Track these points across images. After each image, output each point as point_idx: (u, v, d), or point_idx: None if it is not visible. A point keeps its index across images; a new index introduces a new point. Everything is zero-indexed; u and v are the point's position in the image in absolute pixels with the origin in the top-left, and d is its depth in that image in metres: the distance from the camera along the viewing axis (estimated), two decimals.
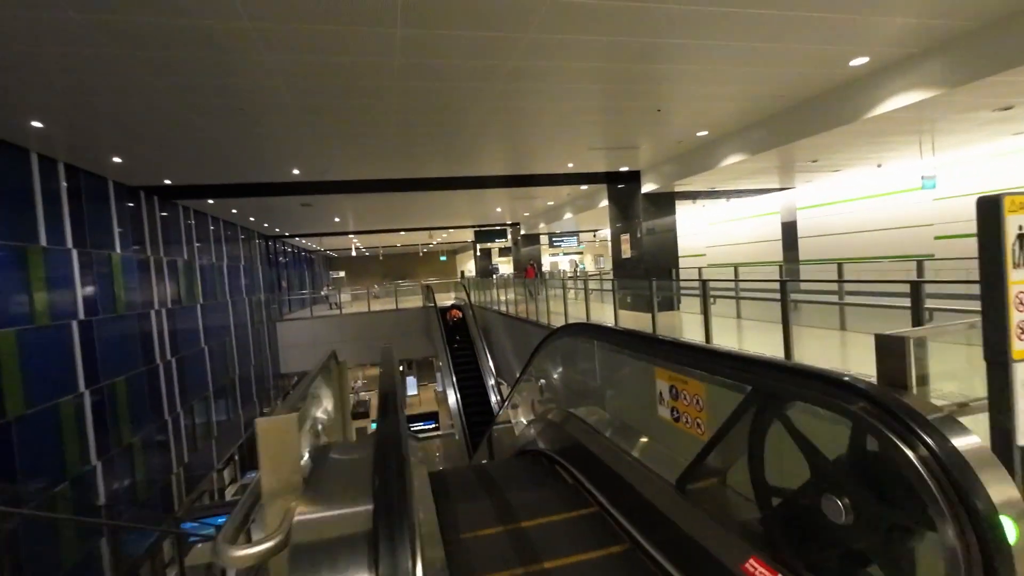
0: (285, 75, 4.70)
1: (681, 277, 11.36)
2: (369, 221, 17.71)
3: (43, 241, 6.33)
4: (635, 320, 9.20)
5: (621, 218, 11.57)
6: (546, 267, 27.09)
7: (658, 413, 2.18)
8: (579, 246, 23.45)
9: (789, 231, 12.59)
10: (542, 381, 4.67)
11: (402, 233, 21.49)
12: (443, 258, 27.91)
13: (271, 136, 6.81)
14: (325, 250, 28.78)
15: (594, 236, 23.39)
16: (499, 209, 16.07)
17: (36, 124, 5.30)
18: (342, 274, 31.73)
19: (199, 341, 11.10)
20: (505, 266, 31.74)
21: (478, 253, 28.46)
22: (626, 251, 11.50)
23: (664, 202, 10.97)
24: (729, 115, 7.10)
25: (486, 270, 29.07)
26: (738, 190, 12.01)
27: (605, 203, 12.50)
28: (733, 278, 9.61)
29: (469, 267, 35.30)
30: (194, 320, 10.99)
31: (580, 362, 3.51)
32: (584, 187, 12.41)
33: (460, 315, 17.76)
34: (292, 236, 19.33)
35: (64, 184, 6.86)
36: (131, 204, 8.69)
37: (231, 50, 4.14)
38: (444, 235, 24.76)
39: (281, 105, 5.54)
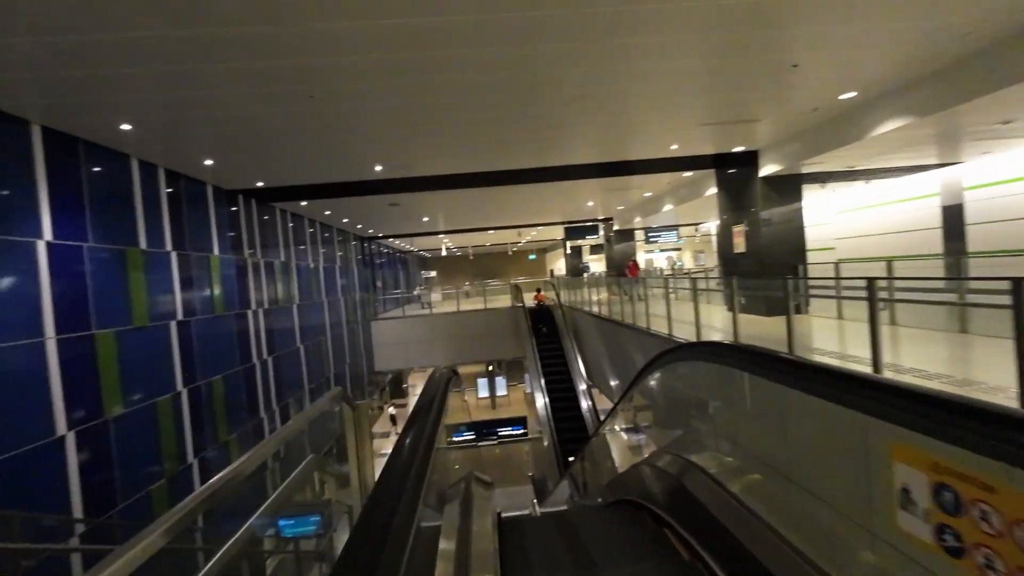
0: (355, 46, 4.18)
1: (807, 274, 9.59)
2: (457, 220, 17.54)
3: (143, 244, 6.51)
4: (754, 325, 7.85)
5: (732, 208, 10.06)
6: (640, 264, 25.41)
7: (897, 522, 1.20)
8: (678, 241, 21.66)
9: (953, 217, 10.22)
10: (643, 409, 3.72)
11: (490, 232, 21.18)
12: (532, 256, 27.31)
13: (351, 130, 6.47)
14: (418, 250, 29.50)
15: (696, 230, 21.45)
16: (591, 203, 15.04)
17: (125, 127, 5.32)
18: (433, 274, 32.38)
19: (295, 340, 11.39)
20: (596, 264, 30.44)
21: (568, 251, 27.50)
22: (739, 245, 9.99)
23: (788, 187, 9.32)
24: (889, 66, 5.56)
25: (576, 268, 28.04)
26: (884, 169, 9.94)
27: (713, 191, 11.02)
28: (887, 275, 7.83)
29: (559, 265, 34.44)
30: (290, 320, 11.29)
31: (712, 395, 2.54)
32: (688, 174, 11.03)
33: (545, 299, 17.53)
34: (385, 237, 19.77)
35: (164, 188, 7.06)
36: (230, 207, 8.96)
37: (296, 20, 3.68)
38: (533, 233, 24.15)
39: (357, 91, 5.10)
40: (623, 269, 17.86)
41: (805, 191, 9.75)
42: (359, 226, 16.06)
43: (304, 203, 10.81)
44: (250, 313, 9.34)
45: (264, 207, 10.32)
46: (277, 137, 6.41)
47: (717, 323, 8.69)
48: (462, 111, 6.09)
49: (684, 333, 7.36)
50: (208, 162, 7.01)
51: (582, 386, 12.92)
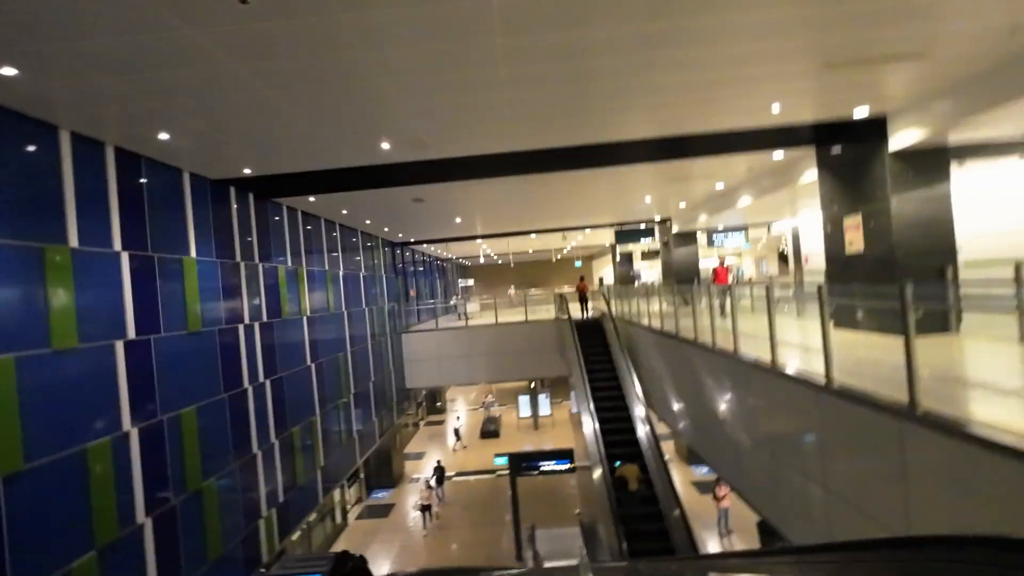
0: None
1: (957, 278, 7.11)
2: (494, 222, 15.77)
3: (72, 241, 5.02)
4: (889, 351, 5.60)
5: (844, 195, 7.74)
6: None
7: None
8: (746, 245, 19.04)
9: None
10: None
11: (532, 236, 19.29)
12: (578, 263, 25.25)
13: (353, 91, 4.77)
14: (456, 258, 28.02)
15: (768, 231, 18.74)
16: (648, 198, 12.90)
17: (8, 70, 3.79)
18: (471, 282, 30.77)
19: (303, 358, 9.86)
20: (648, 272, 27.96)
21: (617, 258, 25.23)
22: (853, 243, 7.64)
23: (930, 164, 6.91)
24: None
25: (627, 276, 25.71)
26: None
27: (811, 176, 8.71)
28: None
29: (606, 272, 32.13)
30: (298, 335, 9.78)
31: None
32: (779, 155, 8.77)
33: (587, 288, 16.92)
34: (418, 242, 18.29)
35: (112, 171, 5.59)
36: (218, 202, 7.52)
37: None
38: (579, 238, 22.11)
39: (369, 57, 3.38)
40: (702, 275, 15.59)
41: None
42: (386, 229, 14.57)
43: (312, 199, 9.31)
44: (242, 328, 7.83)
45: (266, 204, 8.88)
46: (260, 101, 4.79)
47: (834, 346, 6.45)
48: (488, 72, 4.27)
49: (796, 360, 5.22)
50: (164, 136, 5.48)
51: (639, 411, 10.77)
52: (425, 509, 13.53)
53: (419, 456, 20.47)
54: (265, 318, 8.51)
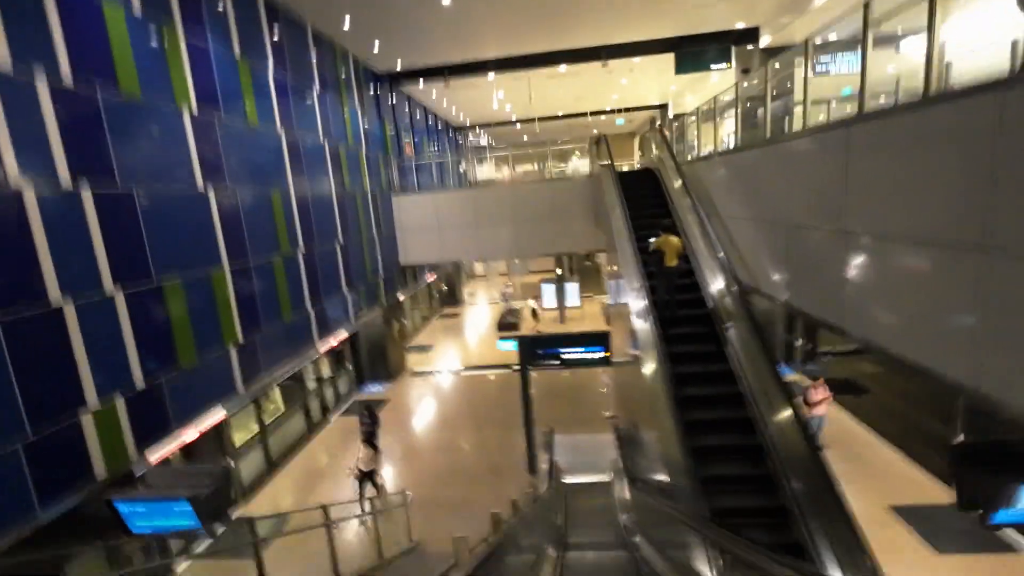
0: None
1: None
2: (509, 33, 11.16)
3: None
4: None
5: None
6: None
7: None
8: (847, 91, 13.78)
9: None
10: None
11: (563, 68, 14.41)
12: (620, 121, 20.40)
13: None
14: (470, 124, 23.36)
15: (896, 49, 13.34)
16: None
17: None
18: (484, 140, 26.20)
19: (187, 174, 6.21)
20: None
21: (670, 116, 20.12)
22: None
23: None
24: None
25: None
26: None
27: None
28: None
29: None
30: (171, 131, 6.04)
31: None
32: None
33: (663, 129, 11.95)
34: (408, 75, 13.82)
35: None
36: None
37: None
38: (624, 81, 17.04)
39: None
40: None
41: None
42: (345, 29, 10.18)
43: None
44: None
45: None
46: None
47: None
48: None
49: None
50: None
51: (716, 285, 6.86)
52: (365, 477, 7.54)
53: (426, 349, 17.64)
54: (68, 78, 4.74)
